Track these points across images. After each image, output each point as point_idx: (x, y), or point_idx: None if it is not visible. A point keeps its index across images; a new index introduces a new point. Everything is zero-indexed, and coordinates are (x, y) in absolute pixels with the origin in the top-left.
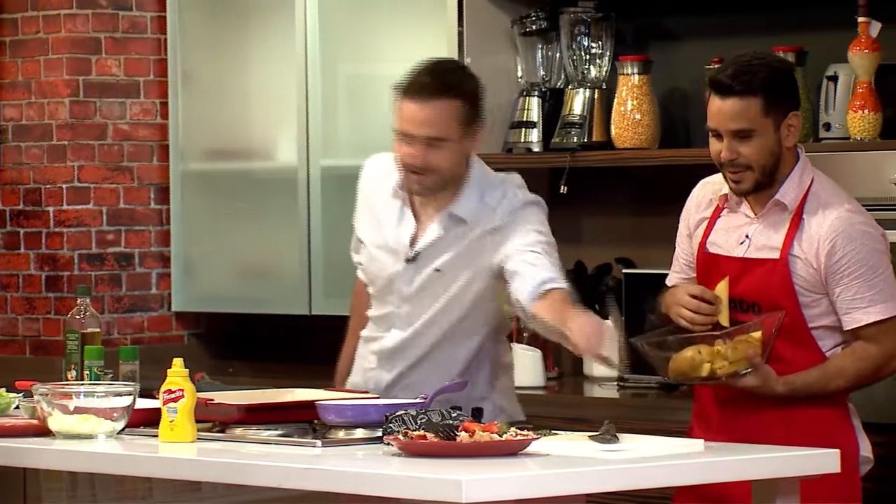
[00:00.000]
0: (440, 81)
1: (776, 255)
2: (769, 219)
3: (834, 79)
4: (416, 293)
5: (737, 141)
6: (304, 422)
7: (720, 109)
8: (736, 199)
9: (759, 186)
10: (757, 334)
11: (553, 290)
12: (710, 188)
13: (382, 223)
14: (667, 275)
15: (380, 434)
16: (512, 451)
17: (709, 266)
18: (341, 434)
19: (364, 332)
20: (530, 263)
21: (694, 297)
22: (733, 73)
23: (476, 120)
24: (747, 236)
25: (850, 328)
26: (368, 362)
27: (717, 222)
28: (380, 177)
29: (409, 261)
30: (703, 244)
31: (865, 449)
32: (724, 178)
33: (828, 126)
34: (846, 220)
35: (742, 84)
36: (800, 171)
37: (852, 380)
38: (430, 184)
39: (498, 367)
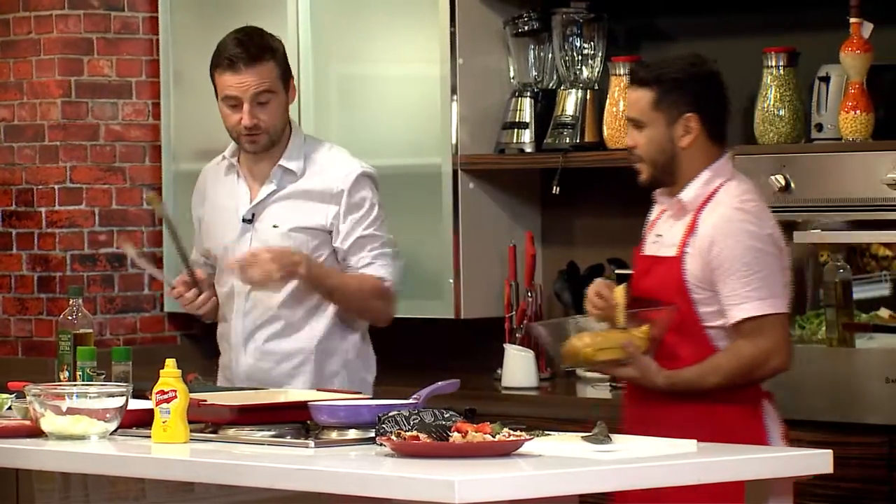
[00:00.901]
0: (252, 49)
1: (675, 252)
2: (674, 218)
3: (826, 79)
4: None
5: (634, 130)
6: (296, 422)
7: (628, 97)
8: (666, 199)
9: (656, 180)
10: (644, 328)
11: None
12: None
13: (219, 200)
14: None
15: (372, 434)
16: (505, 451)
17: (634, 263)
18: (334, 435)
19: (219, 330)
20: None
21: (596, 291)
22: (646, 64)
23: (288, 76)
24: (659, 235)
25: (729, 325)
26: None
27: (656, 223)
28: (209, 172)
29: (246, 221)
30: (639, 246)
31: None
32: None
33: (820, 127)
34: (727, 218)
35: (642, 75)
36: (709, 175)
37: (727, 377)
38: (263, 140)
39: (345, 322)
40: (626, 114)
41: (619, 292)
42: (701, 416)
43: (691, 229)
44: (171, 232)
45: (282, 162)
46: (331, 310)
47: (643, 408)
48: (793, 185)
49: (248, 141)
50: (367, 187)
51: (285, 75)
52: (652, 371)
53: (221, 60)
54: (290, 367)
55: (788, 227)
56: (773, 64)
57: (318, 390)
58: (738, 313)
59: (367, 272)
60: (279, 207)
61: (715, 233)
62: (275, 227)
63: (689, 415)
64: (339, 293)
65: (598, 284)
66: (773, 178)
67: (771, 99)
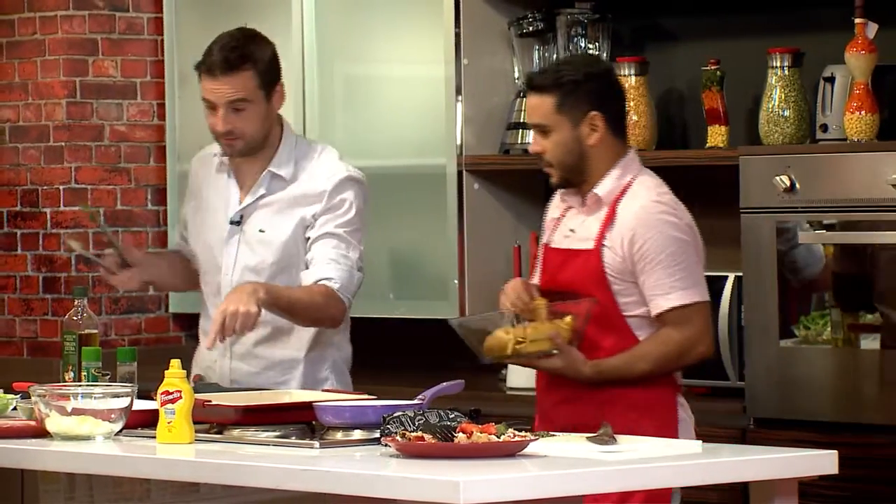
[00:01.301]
0: (230, 57)
1: (592, 245)
2: (591, 212)
3: (831, 80)
4: (243, 256)
5: (539, 136)
6: (301, 423)
7: (528, 105)
8: (573, 198)
9: (567, 182)
10: (568, 319)
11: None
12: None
13: (209, 198)
14: None
15: (377, 435)
16: (510, 452)
17: (544, 259)
18: (339, 435)
19: (203, 325)
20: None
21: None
22: (542, 71)
23: (274, 81)
24: (572, 230)
25: (654, 314)
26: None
27: (561, 222)
28: (200, 165)
29: (234, 223)
30: (547, 240)
31: (688, 437)
32: None
33: (825, 127)
34: (647, 209)
35: (540, 80)
36: (621, 169)
37: (656, 363)
38: (240, 146)
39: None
40: (529, 120)
41: (541, 314)
42: (620, 397)
43: (609, 222)
44: (109, 239)
45: (271, 168)
46: None
47: (564, 390)
48: (798, 185)
49: (225, 145)
50: (351, 190)
51: (268, 83)
52: (578, 361)
53: (202, 64)
54: (277, 374)
55: (794, 228)
56: (778, 64)
57: (322, 391)
58: (664, 303)
59: (318, 270)
60: (266, 212)
61: (637, 225)
62: (261, 231)
63: (604, 398)
64: (296, 308)
65: (517, 284)
66: (778, 178)
67: (776, 99)
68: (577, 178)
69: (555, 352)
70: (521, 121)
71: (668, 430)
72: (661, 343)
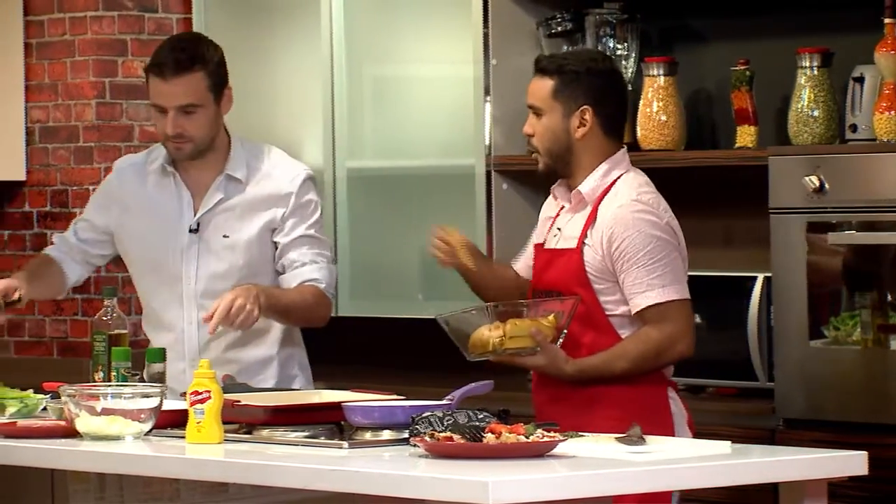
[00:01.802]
0: (181, 58)
1: (574, 244)
2: (576, 211)
3: (860, 80)
4: (206, 263)
5: (533, 117)
6: (330, 423)
7: (530, 85)
8: (562, 195)
9: (550, 170)
10: (551, 317)
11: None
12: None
13: (155, 207)
14: (697, 276)
15: (406, 435)
16: (538, 452)
17: (535, 258)
18: (368, 435)
19: (157, 339)
20: (303, 262)
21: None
22: (551, 55)
23: (222, 84)
24: (559, 228)
25: (634, 312)
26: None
27: (555, 221)
28: (130, 176)
29: (192, 231)
30: (540, 239)
31: (683, 434)
32: None
33: (854, 127)
34: (625, 208)
35: (545, 65)
36: (607, 167)
37: (634, 362)
38: (189, 149)
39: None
40: (527, 101)
41: (456, 234)
42: (607, 395)
43: (590, 221)
44: None
45: (228, 171)
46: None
47: (552, 389)
48: (827, 185)
49: (174, 148)
50: (313, 190)
51: (217, 86)
52: (560, 359)
53: (151, 65)
54: (251, 375)
55: (823, 228)
56: (808, 64)
57: (351, 391)
58: (642, 301)
59: (303, 272)
60: (228, 217)
61: (615, 224)
62: (225, 237)
63: (591, 395)
64: (291, 311)
65: (439, 229)
66: (807, 178)
67: (805, 100)
68: (562, 169)
69: (536, 349)
70: None
71: (662, 426)
72: (640, 341)
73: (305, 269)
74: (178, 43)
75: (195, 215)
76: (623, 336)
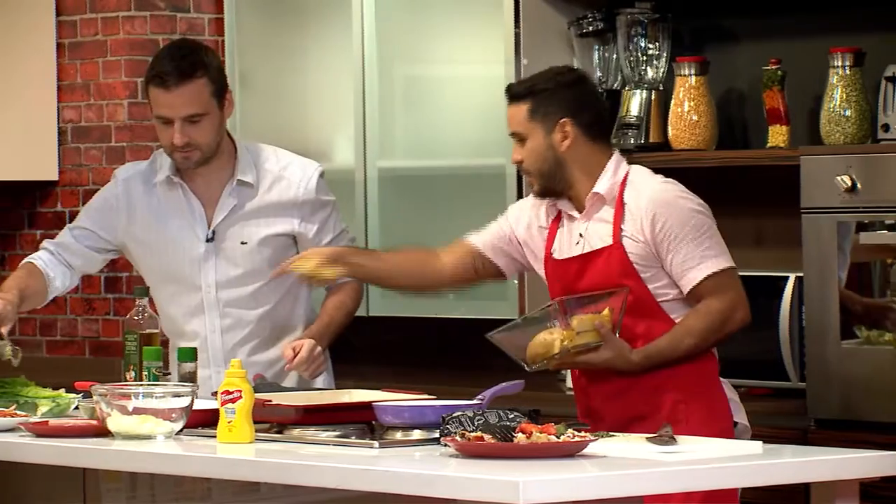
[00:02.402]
0: (182, 66)
1: (610, 241)
2: (593, 214)
3: (892, 80)
4: (225, 270)
5: (518, 145)
6: (361, 423)
7: (507, 114)
8: (565, 205)
9: (547, 191)
10: (605, 312)
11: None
12: (544, 202)
13: (166, 219)
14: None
15: (437, 435)
16: (569, 452)
17: (555, 272)
18: (399, 435)
19: (174, 340)
20: None
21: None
22: (520, 80)
23: (223, 89)
24: (581, 235)
25: (688, 289)
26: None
27: (557, 232)
28: (136, 187)
29: (209, 240)
30: (548, 255)
31: (741, 418)
32: None
33: (886, 127)
34: (660, 191)
35: (516, 90)
36: (613, 166)
37: (701, 336)
38: (197, 158)
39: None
40: (509, 130)
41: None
42: (665, 381)
43: (619, 214)
44: None
45: (238, 176)
46: (304, 320)
47: (610, 384)
48: (859, 185)
49: (182, 158)
50: (325, 187)
51: (219, 91)
52: (626, 350)
53: (153, 76)
54: (274, 373)
55: (855, 228)
56: (840, 64)
57: (382, 390)
58: (697, 274)
59: None
60: (244, 224)
61: (655, 207)
62: (243, 243)
63: (655, 383)
64: (342, 327)
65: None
66: (839, 178)
67: (837, 99)
68: (558, 186)
69: (598, 344)
70: None
71: (720, 409)
72: (704, 314)
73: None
74: (178, 51)
75: (209, 224)
76: (676, 319)
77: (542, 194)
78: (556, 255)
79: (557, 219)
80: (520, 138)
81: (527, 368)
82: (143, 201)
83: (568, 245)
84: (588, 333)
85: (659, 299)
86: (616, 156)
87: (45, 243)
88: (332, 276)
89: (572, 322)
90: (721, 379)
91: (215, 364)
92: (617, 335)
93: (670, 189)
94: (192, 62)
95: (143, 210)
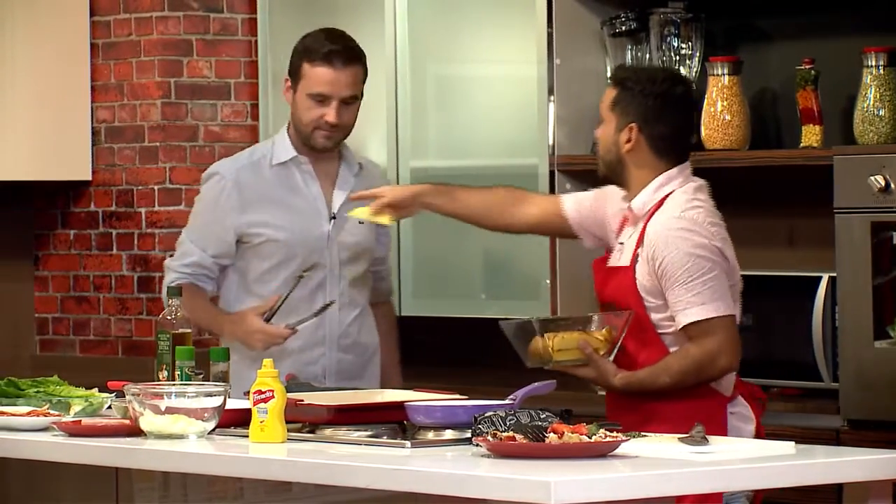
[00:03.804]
0: (349, 49)
1: (627, 262)
2: (630, 227)
3: None
4: (348, 248)
5: (600, 123)
6: (393, 423)
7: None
8: (623, 209)
9: (607, 177)
10: (604, 331)
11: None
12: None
13: (286, 200)
14: (761, 276)
15: (469, 435)
16: (601, 452)
17: (597, 272)
18: (430, 435)
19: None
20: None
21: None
22: (630, 66)
23: (365, 80)
24: (621, 243)
25: (678, 330)
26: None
27: (621, 234)
28: (247, 176)
29: (332, 219)
30: (607, 252)
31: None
32: None
33: None
34: (666, 226)
35: (616, 73)
36: (659, 183)
37: (675, 377)
38: (338, 138)
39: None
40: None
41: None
42: (662, 411)
43: (640, 239)
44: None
45: (348, 160)
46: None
47: (616, 397)
48: (892, 185)
49: (325, 137)
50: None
51: (364, 82)
52: (609, 372)
53: (316, 54)
54: (364, 360)
55: (888, 228)
56: (873, 64)
57: (414, 390)
58: (683, 318)
59: (381, 287)
60: (357, 205)
61: (657, 242)
62: (361, 223)
63: (651, 410)
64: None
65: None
66: (872, 178)
67: (871, 99)
68: (616, 178)
69: (585, 362)
70: None
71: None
72: (682, 358)
73: (384, 285)
74: (340, 37)
75: (331, 203)
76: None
77: (602, 176)
78: (609, 260)
79: (624, 219)
80: (601, 118)
81: (526, 363)
82: (257, 188)
83: (616, 250)
84: (571, 351)
85: (659, 330)
86: (673, 171)
87: (173, 264)
88: (388, 223)
89: (555, 339)
90: (732, 409)
91: (330, 343)
92: (613, 354)
93: (677, 224)
94: (356, 47)
95: (259, 196)
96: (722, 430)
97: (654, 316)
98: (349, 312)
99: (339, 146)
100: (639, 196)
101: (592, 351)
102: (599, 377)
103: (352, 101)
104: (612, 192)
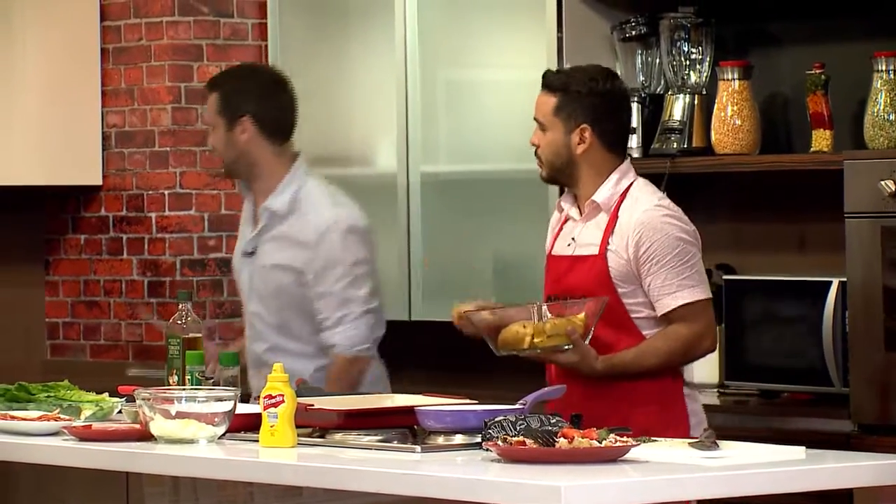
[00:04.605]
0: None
1: (596, 251)
2: (588, 219)
3: None
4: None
5: (539, 131)
6: (403, 427)
7: (537, 99)
8: (568, 206)
9: (552, 180)
10: (580, 316)
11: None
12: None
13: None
14: (771, 280)
15: (479, 440)
16: (611, 457)
17: (549, 267)
18: (440, 440)
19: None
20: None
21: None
22: (558, 71)
23: (233, 112)
24: (573, 238)
25: (662, 313)
26: None
27: (561, 231)
28: None
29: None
30: (550, 249)
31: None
32: None
33: None
34: (651, 213)
35: (550, 79)
36: (617, 177)
37: (664, 357)
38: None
39: None
40: (534, 114)
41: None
42: (627, 393)
43: (611, 227)
44: None
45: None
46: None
47: (584, 386)
48: None
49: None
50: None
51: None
52: (591, 357)
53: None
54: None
55: None
56: (884, 68)
57: (424, 395)
58: (672, 302)
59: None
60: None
61: (643, 229)
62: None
63: (618, 394)
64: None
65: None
66: (882, 182)
67: (881, 104)
68: (565, 180)
69: (568, 347)
70: None
71: (680, 423)
72: (671, 339)
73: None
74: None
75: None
76: (646, 336)
77: (547, 181)
78: (554, 252)
79: (564, 219)
80: (541, 126)
81: (495, 352)
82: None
83: (561, 244)
84: (559, 337)
85: (632, 315)
86: (624, 166)
87: None
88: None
89: (546, 325)
90: (687, 391)
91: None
92: (588, 340)
93: (661, 211)
94: (215, 76)
95: None
96: (683, 413)
97: (626, 301)
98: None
99: (228, 175)
100: (601, 191)
101: (578, 336)
102: (582, 361)
103: (211, 128)
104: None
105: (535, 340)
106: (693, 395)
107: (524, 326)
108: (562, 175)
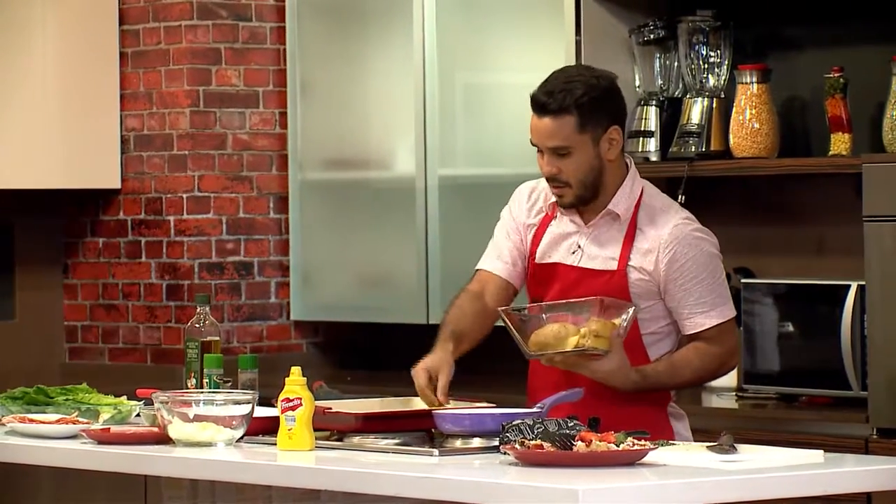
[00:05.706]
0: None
1: (613, 265)
2: (601, 228)
3: None
4: None
5: (555, 157)
6: (421, 431)
7: (537, 127)
8: (571, 215)
9: (581, 200)
10: (616, 321)
11: None
12: (538, 195)
13: None
14: (790, 284)
15: (496, 443)
16: (629, 461)
17: (545, 275)
18: (458, 443)
19: None
20: None
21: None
22: (549, 91)
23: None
24: (579, 246)
25: (691, 332)
26: None
27: (546, 231)
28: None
29: None
30: (533, 254)
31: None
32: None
33: None
34: (682, 228)
35: (556, 103)
36: (630, 182)
37: (698, 373)
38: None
39: None
40: (545, 144)
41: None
42: (610, 416)
43: (630, 241)
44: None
45: None
46: None
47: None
48: None
49: None
50: None
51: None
52: (627, 365)
53: None
54: None
55: None
56: None
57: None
58: (706, 321)
59: None
60: None
61: (676, 245)
62: None
63: (599, 414)
64: None
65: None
66: None
67: None
68: (592, 196)
69: (605, 352)
70: (642, 129)
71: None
72: (705, 355)
73: None
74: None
75: None
76: (651, 354)
77: (573, 205)
78: (546, 259)
79: (546, 217)
80: (562, 152)
81: (525, 354)
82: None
83: (559, 250)
84: (603, 339)
85: (642, 331)
86: (633, 169)
87: None
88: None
89: (592, 325)
90: (671, 410)
91: None
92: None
93: (690, 226)
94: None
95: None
96: (668, 429)
97: (640, 317)
98: None
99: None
100: (619, 201)
101: (621, 342)
102: (618, 370)
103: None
104: (515, 213)
105: (582, 340)
106: (677, 413)
107: (565, 328)
108: (589, 191)
